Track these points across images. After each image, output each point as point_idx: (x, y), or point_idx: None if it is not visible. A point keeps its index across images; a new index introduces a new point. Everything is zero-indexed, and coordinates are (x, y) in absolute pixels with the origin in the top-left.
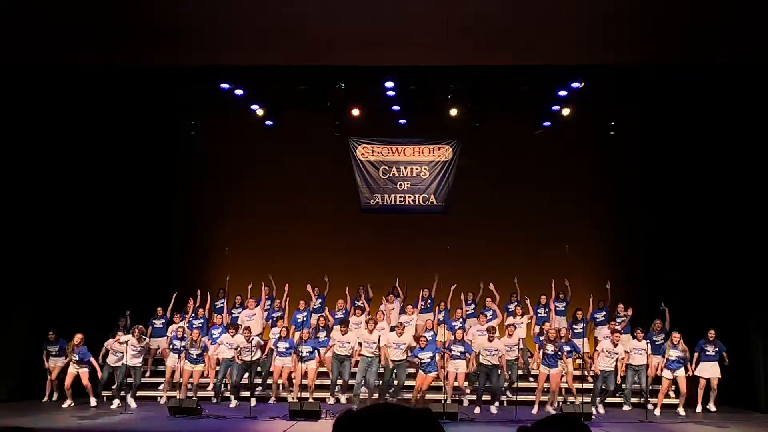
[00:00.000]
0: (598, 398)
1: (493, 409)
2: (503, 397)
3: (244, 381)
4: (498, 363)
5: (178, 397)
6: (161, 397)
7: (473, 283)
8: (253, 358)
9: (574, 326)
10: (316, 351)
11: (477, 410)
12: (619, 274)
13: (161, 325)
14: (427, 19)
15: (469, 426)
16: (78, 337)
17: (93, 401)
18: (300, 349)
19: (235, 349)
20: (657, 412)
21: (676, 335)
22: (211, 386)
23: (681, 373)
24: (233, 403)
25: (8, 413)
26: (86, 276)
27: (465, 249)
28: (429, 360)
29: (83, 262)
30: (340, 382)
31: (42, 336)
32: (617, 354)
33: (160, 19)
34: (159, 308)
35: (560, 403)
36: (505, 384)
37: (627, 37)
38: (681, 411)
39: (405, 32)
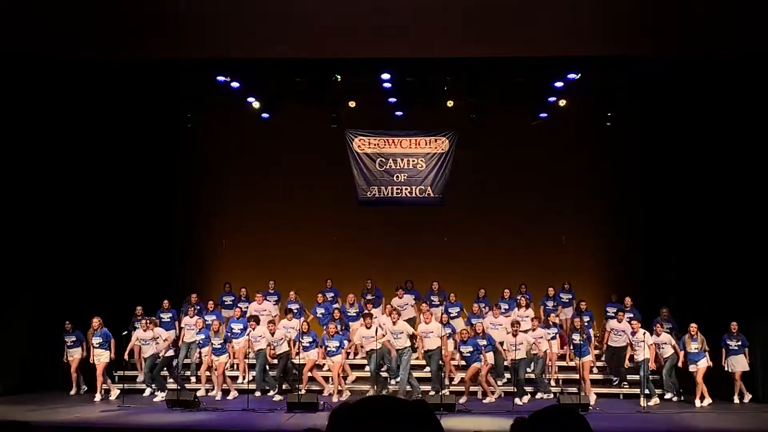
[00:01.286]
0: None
1: (547, 396)
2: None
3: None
4: (524, 357)
5: (203, 389)
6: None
7: (471, 275)
8: (282, 351)
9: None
10: (341, 346)
11: (519, 400)
12: (617, 268)
13: (168, 319)
14: (425, 11)
15: (466, 417)
16: (96, 321)
17: (98, 396)
18: (327, 345)
19: (268, 345)
20: (700, 403)
21: (693, 326)
22: (240, 379)
23: (702, 364)
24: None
25: (25, 406)
26: (86, 271)
27: (462, 240)
28: (469, 354)
29: (83, 258)
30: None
31: (41, 331)
32: (636, 337)
33: (159, 13)
34: (165, 301)
35: (557, 394)
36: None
37: (627, 28)
38: (697, 402)
39: (403, 24)
